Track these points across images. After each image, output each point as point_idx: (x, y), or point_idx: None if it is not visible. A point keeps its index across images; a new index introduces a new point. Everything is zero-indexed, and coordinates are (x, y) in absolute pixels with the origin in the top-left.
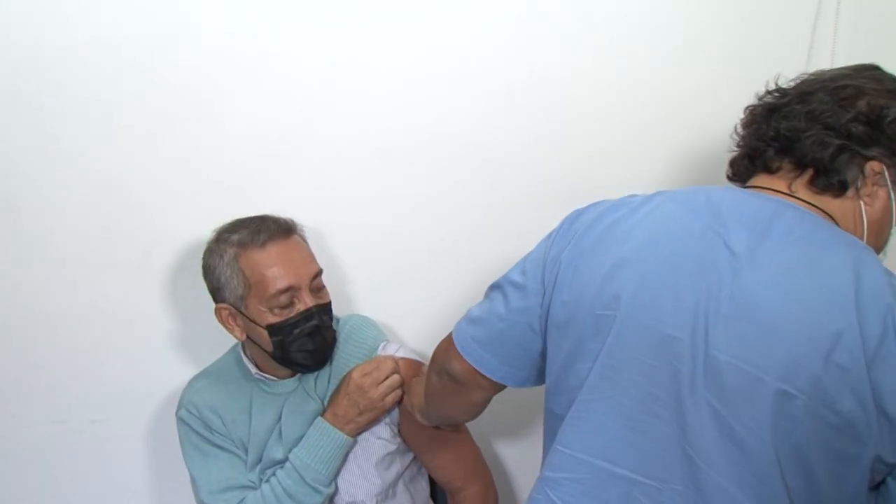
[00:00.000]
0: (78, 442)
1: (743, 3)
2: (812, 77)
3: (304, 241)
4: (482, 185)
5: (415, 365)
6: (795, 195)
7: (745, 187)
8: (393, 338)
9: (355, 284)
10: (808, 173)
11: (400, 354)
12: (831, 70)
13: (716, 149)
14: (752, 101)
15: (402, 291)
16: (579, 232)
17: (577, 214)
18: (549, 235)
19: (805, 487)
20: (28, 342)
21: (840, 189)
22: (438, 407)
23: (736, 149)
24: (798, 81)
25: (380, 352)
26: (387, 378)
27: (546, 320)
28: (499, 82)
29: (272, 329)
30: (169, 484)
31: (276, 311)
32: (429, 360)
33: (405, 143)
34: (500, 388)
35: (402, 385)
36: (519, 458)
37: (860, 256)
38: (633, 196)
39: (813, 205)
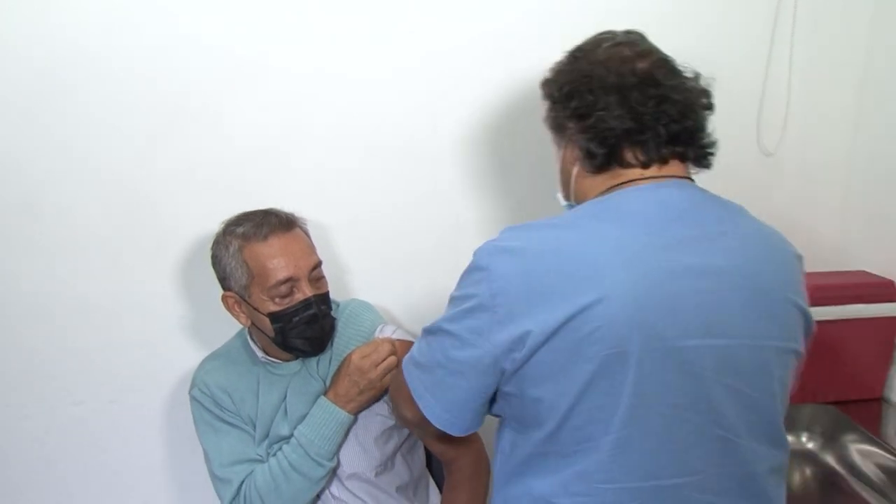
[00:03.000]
0: (97, 421)
1: None
2: None
3: (306, 233)
4: (472, 180)
5: (411, 346)
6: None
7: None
8: (389, 320)
9: (354, 273)
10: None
11: (396, 336)
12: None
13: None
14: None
15: (397, 278)
16: (522, 273)
17: (501, 253)
18: (476, 282)
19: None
20: (51, 330)
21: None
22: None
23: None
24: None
25: (377, 334)
26: (385, 360)
27: (509, 369)
28: (495, 81)
29: (273, 317)
30: (183, 459)
31: (277, 300)
32: None
33: (403, 140)
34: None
35: (398, 365)
36: None
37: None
38: (550, 221)
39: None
